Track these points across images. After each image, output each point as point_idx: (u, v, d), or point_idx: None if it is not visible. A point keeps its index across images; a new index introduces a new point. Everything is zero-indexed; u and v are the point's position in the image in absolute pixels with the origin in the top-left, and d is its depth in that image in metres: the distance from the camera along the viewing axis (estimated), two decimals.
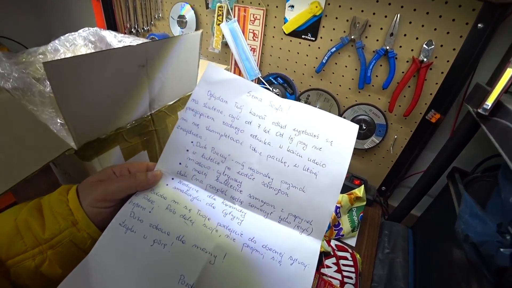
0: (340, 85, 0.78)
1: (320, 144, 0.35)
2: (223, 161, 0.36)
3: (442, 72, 0.64)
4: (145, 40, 0.63)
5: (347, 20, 0.68)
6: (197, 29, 0.91)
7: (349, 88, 0.77)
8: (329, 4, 0.69)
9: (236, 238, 0.32)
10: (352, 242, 0.74)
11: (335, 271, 0.59)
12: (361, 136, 0.80)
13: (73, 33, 0.64)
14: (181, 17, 0.91)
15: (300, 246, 0.32)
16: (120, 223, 0.31)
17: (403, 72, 0.68)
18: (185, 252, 0.30)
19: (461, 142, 0.62)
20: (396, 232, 0.77)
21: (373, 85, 0.73)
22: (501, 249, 0.37)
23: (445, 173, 0.67)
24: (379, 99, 0.74)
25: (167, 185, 0.35)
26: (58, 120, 0.46)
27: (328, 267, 0.60)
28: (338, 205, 0.73)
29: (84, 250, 0.30)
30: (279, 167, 0.35)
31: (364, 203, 0.76)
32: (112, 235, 0.30)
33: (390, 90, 0.71)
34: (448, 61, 0.62)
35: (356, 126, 0.35)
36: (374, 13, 0.65)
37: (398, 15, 0.62)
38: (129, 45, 0.39)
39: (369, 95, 0.75)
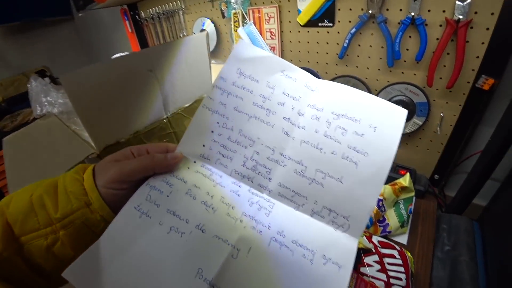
0: (368, 68, 0.72)
1: (362, 130, 0.31)
2: (252, 145, 0.33)
3: (487, 28, 0.54)
4: None
5: None
6: (218, 39, 0.95)
7: (378, 69, 0.71)
8: None
9: (263, 231, 0.29)
10: (403, 239, 0.65)
11: (378, 271, 0.51)
12: None
13: None
14: (203, 31, 0.96)
15: (335, 244, 0.29)
16: (135, 206, 0.29)
17: (437, 39, 0.59)
18: (205, 242, 0.28)
19: None
20: (457, 226, 0.65)
21: (404, 61, 0.66)
22: None
23: (510, 149, 0.55)
24: (415, 74, 0.66)
25: (188, 168, 0.32)
26: None
27: (369, 265, 0.52)
28: (381, 197, 0.65)
29: (97, 234, 0.28)
30: (314, 154, 0.31)
31: (413, 194, 0.67)
32: (126, 219, 0.28)
33: (426, 62, 0.63)
34: (492, 13, 0.52)
35: (405, 111, 0.31)
36: None
37: None
38: (134, 52, 0.43)
39: (403, 73, 0.67)
